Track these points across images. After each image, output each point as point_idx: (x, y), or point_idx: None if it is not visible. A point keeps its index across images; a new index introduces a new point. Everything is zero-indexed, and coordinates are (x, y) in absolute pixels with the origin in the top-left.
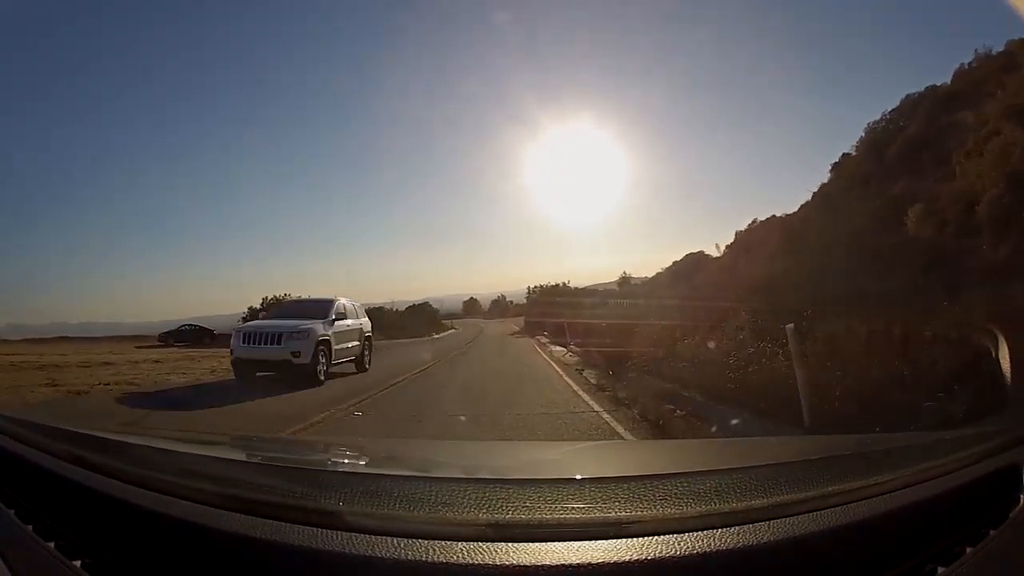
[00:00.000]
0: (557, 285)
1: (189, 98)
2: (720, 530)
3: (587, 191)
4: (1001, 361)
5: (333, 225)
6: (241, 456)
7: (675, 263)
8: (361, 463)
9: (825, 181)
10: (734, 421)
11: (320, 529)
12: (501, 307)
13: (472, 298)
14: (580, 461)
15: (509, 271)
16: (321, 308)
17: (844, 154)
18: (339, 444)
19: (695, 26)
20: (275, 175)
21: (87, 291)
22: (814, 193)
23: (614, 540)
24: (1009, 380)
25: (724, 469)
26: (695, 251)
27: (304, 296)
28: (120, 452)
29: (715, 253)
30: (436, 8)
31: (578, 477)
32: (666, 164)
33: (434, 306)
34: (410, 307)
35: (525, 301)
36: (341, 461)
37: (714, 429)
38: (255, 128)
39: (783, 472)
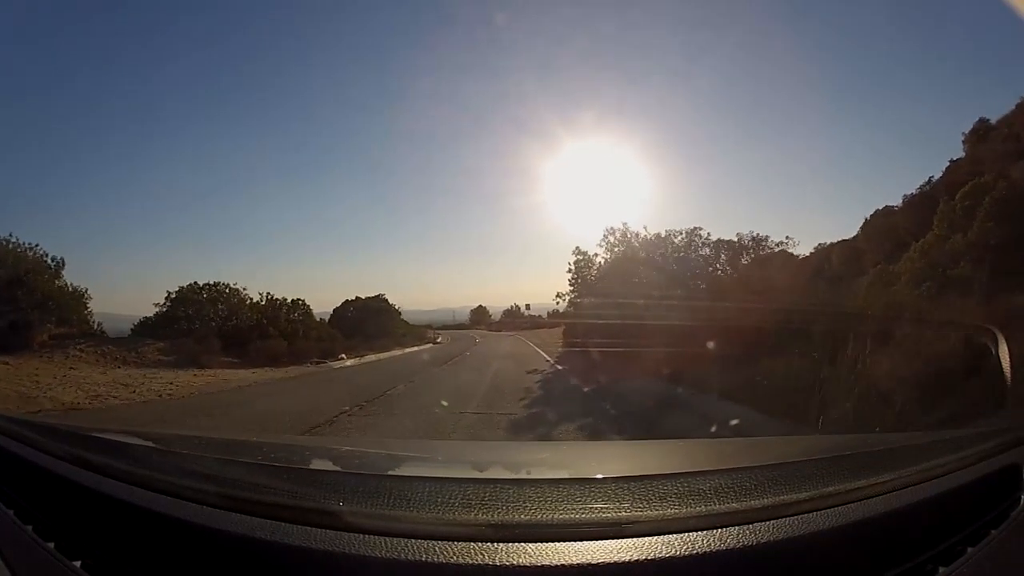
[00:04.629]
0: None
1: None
2: (720, 530)
3: (608, 204)
4: (1001, 361)
5: (348, 233)
6: (241, 456)
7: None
8: (361, 463)
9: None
10: None
11: (320, 529)
12: (514, 316)
13: (480, 306)
14: (580, 461)
15: (525, 286)
16: None
17: (981, 118)
18: (339, 445)
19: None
20: (286, 183)
21: None
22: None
23: (614, 540)
24: (1009, 380)
25: (724, 469)
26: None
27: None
28: (120, 452)
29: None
30: (466, 25)
31: (578, 477)
32: (696, 174)
33: (446, 313)
34: (348, 304)
35: (561, 301)
36: (341, 461)
37: (714, 429)
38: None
39: (783, 472)
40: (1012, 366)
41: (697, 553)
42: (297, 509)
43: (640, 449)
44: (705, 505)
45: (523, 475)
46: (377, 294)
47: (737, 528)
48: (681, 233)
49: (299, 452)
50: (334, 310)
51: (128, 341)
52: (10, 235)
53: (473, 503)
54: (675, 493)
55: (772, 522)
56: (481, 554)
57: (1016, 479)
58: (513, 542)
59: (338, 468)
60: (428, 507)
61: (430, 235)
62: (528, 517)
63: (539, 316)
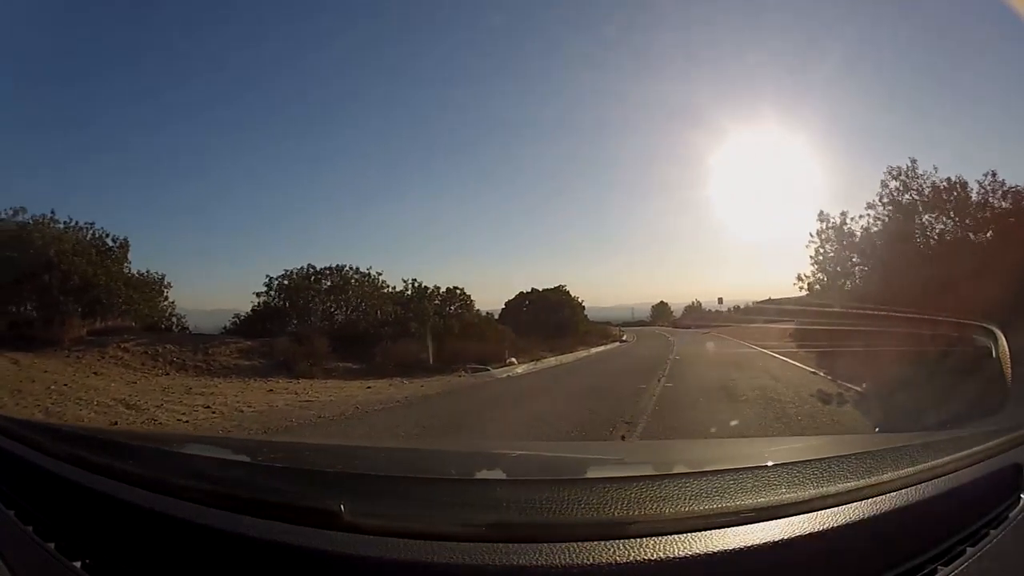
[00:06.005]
0: None
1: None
2: (720, 530)
3: (783, 199)
4: (1001, 360)
5: (521, 229)
6: (241, 457)
7: None
8: (361, 463)
9: None
10: None
11: (320, 529)
12: (695, 312)
13: (662, 302)
14: (579, 462)
15: (705, 282)
16: None
17: None
18: (339, 445)
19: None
20: (457, 176)
21: None
22: None
23: (614, 540)
24: (1009, 380)
25: (724, 469)
26: None
27: None
28: (120, 452)
29: None
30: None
31: (577, 478)
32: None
33: (624, 311)
34: (523, 296)
35: (802, 284)
36: (341, 461)
37: (713, 430)
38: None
39: (783, 472)
40: (1012, 364)
41: (697, 553)
42: (297, 509)
43: (640, 449)
44: (705, 505)
45: (523, 476)
46: (557, 285)
47: (737, 528)
48: (955, 181)
49: (299, 452)
50: (506, 303)
51: (199, 339)
52: (51, 213)
53: (473, 503)
54: (675, 493)
55: (772, 522)
56: (481, 554)
57: (1016, 479)
58: (513, 542)
59: (338, 468)
60: (428, 507)
61: (607, 231)
62: (528, 517)
63: (725, 311)
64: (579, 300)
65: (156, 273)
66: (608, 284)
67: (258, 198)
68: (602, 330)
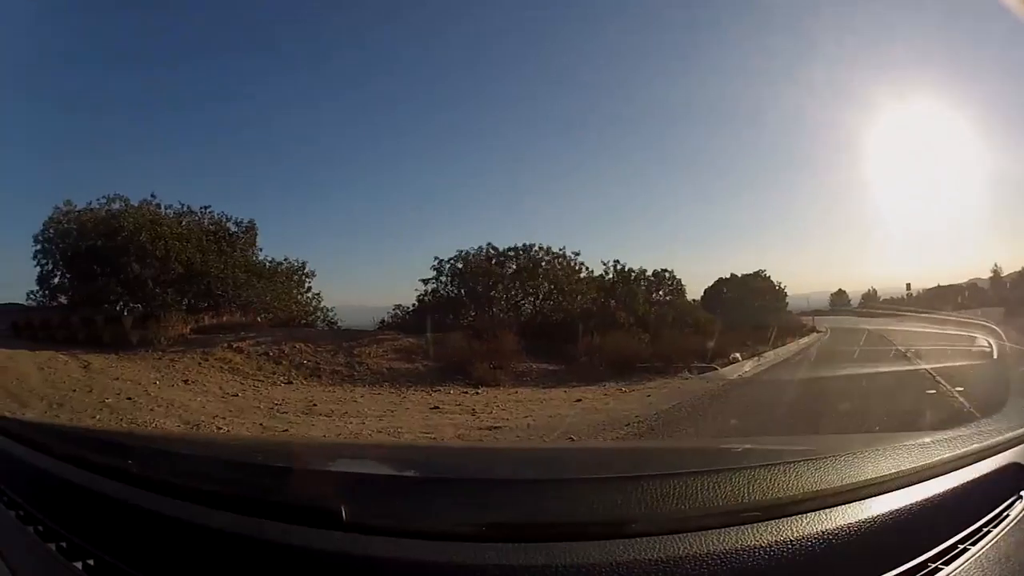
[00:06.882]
0: None
1: None
2: (720, 530)
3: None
4: (1000, 360)
5: (693, 218)
6: (242, 457)
7: None
8: (361, 463)
9: None
10: None
11: (320, 529)
12: (873, 301)
13: (840, 290)
14: (580, 462)
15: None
16: None
17: None
18: (339, 445)
19: None
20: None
21: None
22: None
23: (614, 540)
24: (1009, 379)
25: (724, 469)
26: None
27: None
28: (120, 452)
29: None
30: None
31: (578, 478)
32: None
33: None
34: (722, 283)
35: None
36: (341, 461)
37: None
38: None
39: (783, 472)
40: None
41: (697, 553)
42: (297, 509)
43: (640, 449)
44: (706, 505)
45: (523, 476)
46: (757, 270)
47: (737, 528)
48: None
49: (299, 452)
50: (705, 291)
51: (343, 336)
52: (151, 196)
53: (473, 503)
54: (675, 493)
55: (772, 522)
56: (481, 554)
57: (1016, 478)
58: (513, 542)
59: (338, 468)
60: (428, 507)
61: (779, 217)
62: (528, 517)
63: (909, 298)
64: (781, 286)
65: (295, 260)
66: (782, 272)
67: (432, 178)
68: (796, 320)
